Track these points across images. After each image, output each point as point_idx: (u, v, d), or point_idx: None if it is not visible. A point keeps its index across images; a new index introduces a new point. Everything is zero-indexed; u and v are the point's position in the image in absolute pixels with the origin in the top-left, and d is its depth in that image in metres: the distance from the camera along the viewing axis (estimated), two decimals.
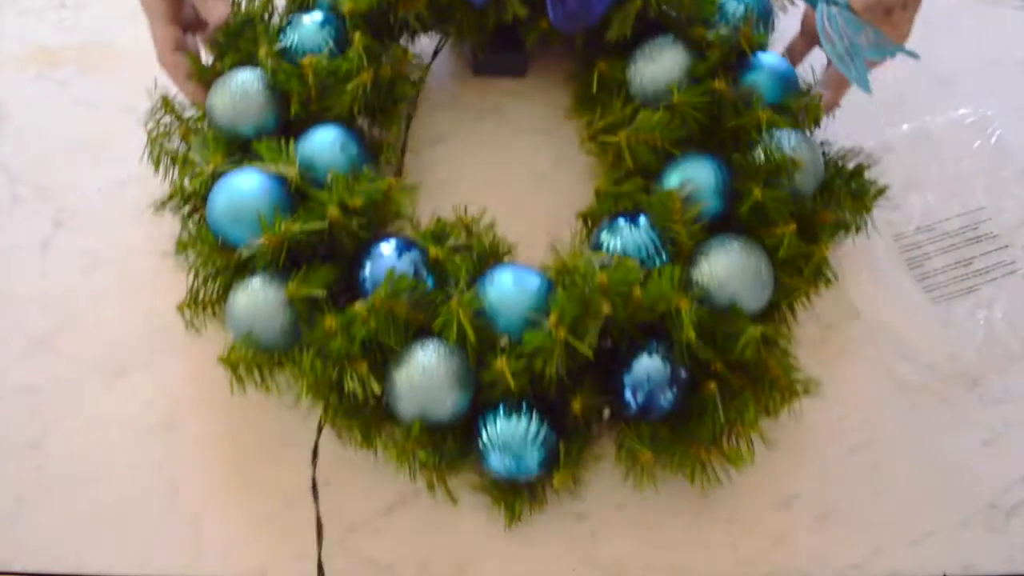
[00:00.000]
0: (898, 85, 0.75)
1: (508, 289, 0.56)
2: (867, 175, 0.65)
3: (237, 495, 0.60)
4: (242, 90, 0.61)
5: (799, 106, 0.63)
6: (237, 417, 0.62)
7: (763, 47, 0.66)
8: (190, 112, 0.65)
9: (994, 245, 0.68)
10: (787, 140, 0.60)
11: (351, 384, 0.53)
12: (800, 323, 0.58)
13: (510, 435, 0.54)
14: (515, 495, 0.58)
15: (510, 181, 0.68)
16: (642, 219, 0.60)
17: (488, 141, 0.72)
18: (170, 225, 0.67)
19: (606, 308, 0.53)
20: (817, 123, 0.65)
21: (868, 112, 0.67)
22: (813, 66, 0.68)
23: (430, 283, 0.57)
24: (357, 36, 0.61)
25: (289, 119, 0.63)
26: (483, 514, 0.60)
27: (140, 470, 0.61)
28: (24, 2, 0.78)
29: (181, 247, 0.60)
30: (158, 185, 0.64)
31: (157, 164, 0.64)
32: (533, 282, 0.56)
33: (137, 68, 0.73)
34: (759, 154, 0.60)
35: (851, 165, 0.64)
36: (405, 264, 0.56)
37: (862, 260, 0.68)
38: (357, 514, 0.60)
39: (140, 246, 0.68)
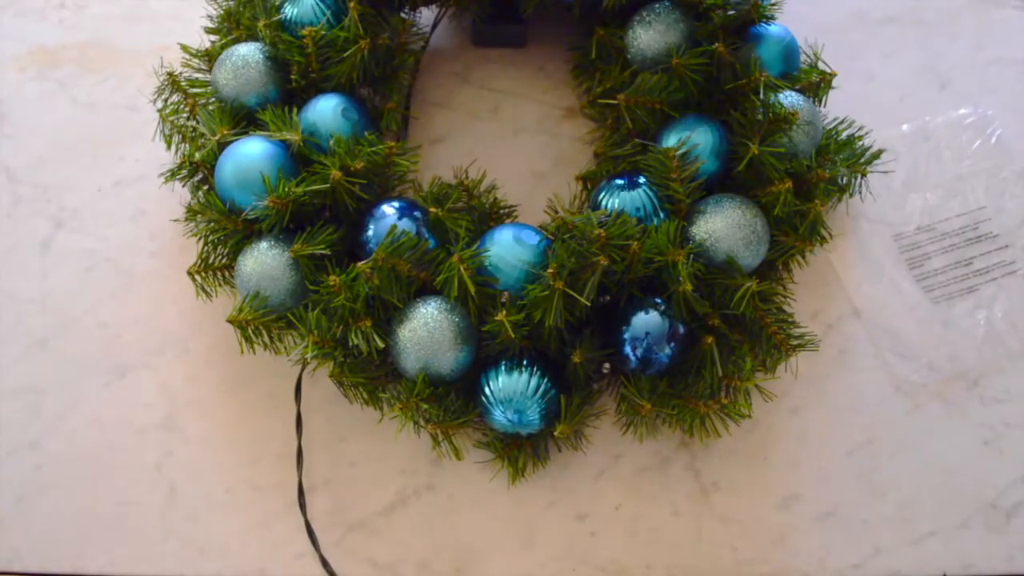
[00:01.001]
0: (898, 85, 0.75)
1: (508, 246, 0.56)
2: (867, 172, 0.65)
3: (237, 495, 0.60)
4: (243, 61, 0.62)
5: (804, 81, 0.63)
6: (237, 417, 0.62)
7: (769, 18, 0.64)
8: (196, 89, 0.65)
9: (994, 245, 0.68)
10: (786, 99, 0.60)
11: (355, 340, 0.54)
12: (800, 323, 0.59)
13: (512, 390, 0.55)
14: (518, 451, 0.58)
15: (509, 181, 0.68)
16: (640, 179, 0.60)
17: (488, 141, 0.72)
18: (170, 225, 0.67)
19: (603, 260, 0.53)
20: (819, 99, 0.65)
21: (868, 112, 0.67)
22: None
23: (432, 243, 0.58)
24: (352, 5, 0.62)
25: (290, 89, 0.64)
26: (483, 514, 0.60)
27: (140, 470, 0.61)
28: (24, 2, 0.78)
29: (191, 214, 0.60)
30: (158, 185, 0.64)
31: (168, 140, 0.64)
32: (533, 239, 0.57)
33: (137, 68, 0.74)
34: (758, 113, 0.60)
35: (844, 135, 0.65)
36: (407, 225, 0.57)
37: (862, 260, 0.68)
38: (357, 514, 0.60)
39: (140, 246, 0.68)
